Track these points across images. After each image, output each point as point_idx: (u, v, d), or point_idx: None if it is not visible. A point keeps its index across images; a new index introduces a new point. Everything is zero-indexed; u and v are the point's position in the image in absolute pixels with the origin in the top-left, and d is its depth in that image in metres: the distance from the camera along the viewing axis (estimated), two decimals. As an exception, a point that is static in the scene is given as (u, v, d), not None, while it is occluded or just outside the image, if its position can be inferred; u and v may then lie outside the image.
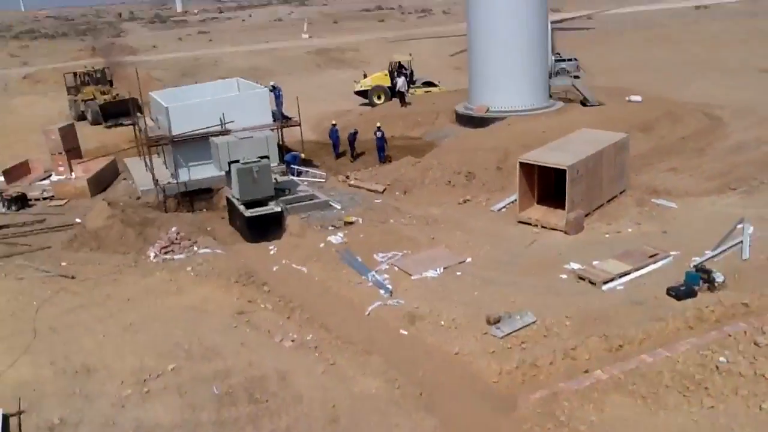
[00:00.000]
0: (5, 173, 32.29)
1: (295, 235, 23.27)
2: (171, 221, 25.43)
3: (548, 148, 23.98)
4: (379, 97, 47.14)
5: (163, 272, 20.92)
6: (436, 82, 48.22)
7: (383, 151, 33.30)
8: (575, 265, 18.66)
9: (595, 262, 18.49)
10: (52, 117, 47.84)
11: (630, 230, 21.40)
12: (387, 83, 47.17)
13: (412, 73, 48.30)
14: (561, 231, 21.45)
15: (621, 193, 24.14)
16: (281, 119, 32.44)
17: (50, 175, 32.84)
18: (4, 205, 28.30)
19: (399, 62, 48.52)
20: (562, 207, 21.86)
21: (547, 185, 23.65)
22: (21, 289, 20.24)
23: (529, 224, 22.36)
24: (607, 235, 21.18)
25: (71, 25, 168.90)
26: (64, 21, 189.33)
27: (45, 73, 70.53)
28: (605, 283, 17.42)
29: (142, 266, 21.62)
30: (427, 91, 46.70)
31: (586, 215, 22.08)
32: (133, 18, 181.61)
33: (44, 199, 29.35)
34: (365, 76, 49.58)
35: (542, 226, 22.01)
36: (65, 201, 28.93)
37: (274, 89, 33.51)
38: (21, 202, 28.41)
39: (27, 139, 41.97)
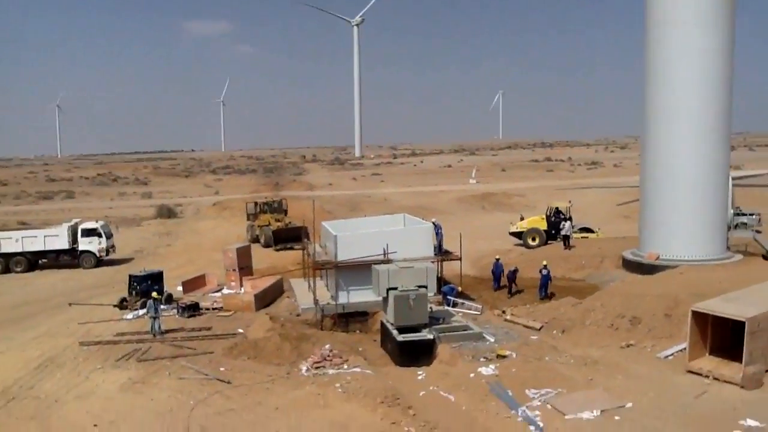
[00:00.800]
0: (184, 284, 34.99)
1: (445, 363, 22.81)
2: (326, 339, 26.00)
3: (725, 299, 22.31)
4: (533, 239, 47.61)
5: (313, 386, 21.13)
6: (595, 229, 47.89)
7: (546, 288, 32.75)
8: (753, 422, 16.62)
9: (777, 422, 16.39)
10: (230, 239, 51.88)
11: (820, 392, 18.90)
12: (543, 227, 47.77)
13: (570, 218, 48.38)
14: (736, 385, 19.37)
15: (810, 352, 21.62)
16: (439, 253, 32.92)
17: (222, 289, 35.07)
18: (178, 312, 30.37)
19: (557, 207, 49.18)
20: (738, 359, 19.88)
21: (722, 336, 21.74)
22: (181, 388, 21.28)
23: (700, 375, 20.43)
24: (792, 394, 18.85)
25: (260, 163, 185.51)
26: (255, 160, 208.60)
27: (231, 202, 77.25)
28: (790, 445, 15.32)
29: (293, 378, 22.03)
30: (583, 237, 46.39)
31: (766, 371, 19.89)
32: (315, 160, 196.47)
33: (214, 309, 31.22)
34: (522, 218, 50.57)
35: (714, 378, 20.02)
36: (232, 312, 30.55)
37: (434, 226, 34.11)
38: (193, 309, 30.42)
39: (207, 256, 45.57)
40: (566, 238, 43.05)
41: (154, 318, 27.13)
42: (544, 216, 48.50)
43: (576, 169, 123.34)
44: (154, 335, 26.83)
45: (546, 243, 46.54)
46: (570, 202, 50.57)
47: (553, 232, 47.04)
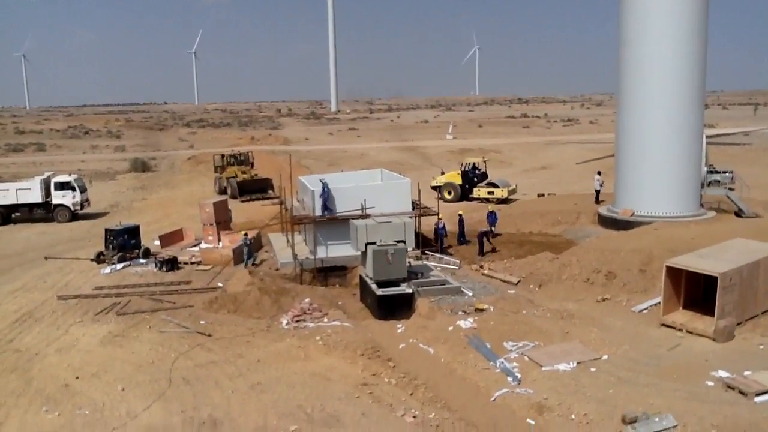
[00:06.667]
0: (161, 238, 34.76)
1: (424, 316, 23.12)
2: (305, 293, 26.15)
3: (698, 255, 22.84)
4: (449, 193, 48.66)
5: (293, 339, 21.35)
6: (503, 184, 47.70)
7: (493, 225, 35.11)
8: (724, 374, 17.16)
9: (746, 373, 16.92)
10: (206, 193, 51.67)
11: (789, 344, 19.53)
12: (458, 182, 48.82)
13: (484, 174, 50.09)
14: (708, 338, 19.95)
15: (779, 306, 22.27)
16: (322, 213, 30.80)
17: (200, 243, 34.92)
18: (156, 266, 30.26)
19: (473, 163, 50.66)
20: (710, 313, 20.45)
21: (695, 291, 22.36)
22: (162, 341, 21.36)
23: (673, 328, 21.00)
24: (761, 347, 19.44)
25: (235, 117, 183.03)
26: (229, 113, 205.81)
27: (205, 156, 76.21)
28: (758, 395, 15.83)
29: (274, 331, 22.22)
30: (489, 192, 46.99)
31: (738, 324, 20.48)
32: (291, 114, 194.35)
33: (192, 263, 31.14)
34: (443, 173, 51.54)
35: (687, 331, 20.59)
36: (210, 267, 30.51)
37: (321, 184, 31.66)
38: (171, 264, 30.28)
39: (183, 211, 45.26)
40: (597, 194, 42.20)
41: (249, 256, 30.56)
42: (460, 171, 49.43)
43: (552, 125, 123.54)
44: (246, 267, 29.97)
45: (464, 198, 47.66)
46: (484, 157, 51.92)
47: (467, 186, 48.13)
